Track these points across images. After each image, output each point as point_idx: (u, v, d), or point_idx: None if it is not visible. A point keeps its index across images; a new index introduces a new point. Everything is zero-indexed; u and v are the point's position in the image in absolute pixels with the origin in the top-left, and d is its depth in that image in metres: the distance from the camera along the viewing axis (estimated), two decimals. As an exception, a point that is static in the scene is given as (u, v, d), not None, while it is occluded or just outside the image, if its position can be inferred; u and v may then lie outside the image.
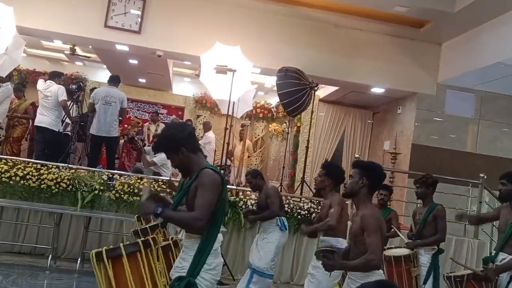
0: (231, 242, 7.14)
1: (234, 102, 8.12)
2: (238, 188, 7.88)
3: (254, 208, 6.39)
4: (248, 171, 6.50)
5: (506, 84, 8.50)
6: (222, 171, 6.50)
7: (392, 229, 5.84)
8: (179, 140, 2.94)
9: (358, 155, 8.06)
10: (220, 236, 2.99)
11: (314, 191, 7.57)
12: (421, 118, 9.10)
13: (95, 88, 9.39)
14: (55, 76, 8.18)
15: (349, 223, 4.71)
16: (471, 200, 7.97)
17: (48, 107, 7.89)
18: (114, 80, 8.25)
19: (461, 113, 9.20)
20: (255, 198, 7.34)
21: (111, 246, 3.18)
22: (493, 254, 4.55)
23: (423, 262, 5.17)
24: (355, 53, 8.85)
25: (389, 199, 6.30)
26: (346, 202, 4.99)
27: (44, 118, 7.90)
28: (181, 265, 2.94)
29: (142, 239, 3.26)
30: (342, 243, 4.76)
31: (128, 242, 3.43)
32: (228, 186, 5.75)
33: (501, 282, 4.22)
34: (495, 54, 7.42)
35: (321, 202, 5.39)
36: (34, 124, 8.04)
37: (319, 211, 5.67)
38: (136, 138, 8.38)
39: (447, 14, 7.59)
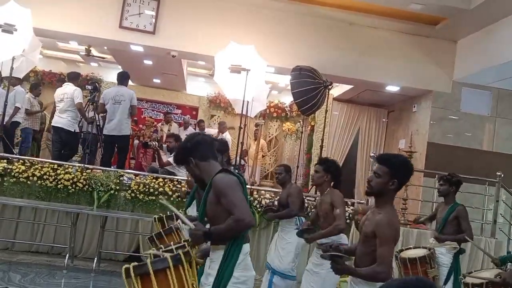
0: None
1: (248, 102, 8.12)
2: (252, 187, 7.89)
3: (274, 205, 6.33)
4: (282, 164, 6.46)
5: (523, 82, 8.40)
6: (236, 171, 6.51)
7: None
8: (187, 151, 2.95)
9: (373, 154, 7.99)
10: (246, 247, 2.84)
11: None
12: (437, 116, 9.02)
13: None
14: (73, 78, 8.29)
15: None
16: (487, 199, 7.88)
17: (64, 109, 7.99)
18: (122, 78, 8.28)
19: (477, 111, 9.10)
20: (270, 197, 7.36)
21: (137, 263, 2.82)
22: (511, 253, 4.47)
23: (444, 262, 5.12)
24: (370, 51, 8.80)
25: None
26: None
27: (60, 119, 8.02)
28: (208, 281, 2.81)
29: (171, 254, 2.98)
30: (344, 238, 4.81)
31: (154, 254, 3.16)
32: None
33: None
34: (511, 51, 7.33)
35: (317, 198, 5.27)
36: (51, 124, 8.15)
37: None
38: (149, 143, 8.42)
39: (462, 11, 7.51)
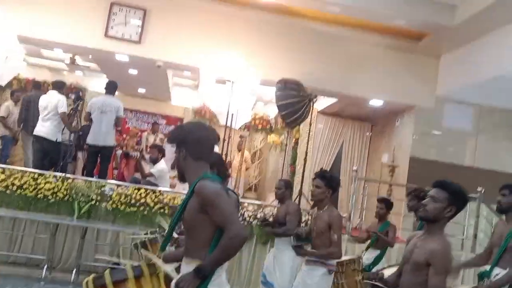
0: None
1: (232, 113, 8.12)
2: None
3: (269, 219, 6.25)
4: (283, 179, 6.36)
5: (505, 98, 8.50)
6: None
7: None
8: (183, 139, 2.71)
9: (356, 168, 8.03)
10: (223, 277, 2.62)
11: (311, 203, 7.49)
12: (419, 131, 9.10)
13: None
14: (58, 86, 8.17)
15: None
16: (468, 214, 7.94)
17: (46, 117, 7.88)
18: (110, 88, 8.21)
19: (460, 127, 9.21)
20: (253, 210, 7.32)
21: (97, 274, 2.72)
22: (488, 269, 4.48)
23: None
24: (354, 65, 8.87)
25: (386, 212, 6.22)
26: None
27: (43, 128, 7.90)
28: None
29: (133, 264, 2.81)
30: (332, 262, 4.67)
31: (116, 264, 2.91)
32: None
33: None
34: (494, 67, 7.44)
35: (313, 212, 5.15)
36: (33, 133, 8.04)
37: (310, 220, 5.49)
38: (131, 153, 8.35)
39: (446, 27, 7.62)
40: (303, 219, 7.21)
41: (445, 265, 2.86)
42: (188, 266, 2.60)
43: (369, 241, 6.13)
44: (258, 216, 7.10)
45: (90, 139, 7.96)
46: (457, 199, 2.94)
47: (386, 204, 6.19)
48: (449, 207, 2.93)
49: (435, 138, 9.12)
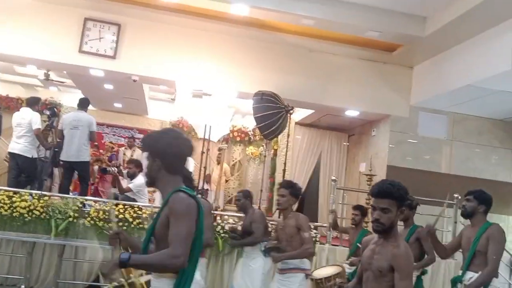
0: (209, 267, 7.03)
1: (210, 126, 8.12)
2: (216, 212, 7.81)
3: (237, 230, 6.26)
4: (240, 190, 6.42)
5: (476, 106, 8.72)
6: (199, 195, 6.42)
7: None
8: (160, 152, 2.60)
9: (334, 178, 8.09)
10: (197, 276, 2.59)
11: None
12: (395, 140, 9.23)
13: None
14: (32, 103, 8.07)
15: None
16: (446, 220, 8.06)
17: (21, 134, 7.77)
18: (82, 104, 8.17)
19: (434, 135, 9.37)
20: (233, 222, 7.30)
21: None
22: (460, 275, 4.56)
23: None
24: (329, 77, 8.98)
25: (361, 219, 6.30)
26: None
27: (17, 145, 7.79)
28: None
29: (114, 286, 2.76)
30: (306, 263, 4.79)
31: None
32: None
33: None
34: (465, 76, 7.62)
35: (277, 222, 5.26)
36: (8, 150, 7.91)
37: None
38: (108, 169, 8.26)
39: (417, 38, 7.79)
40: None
41: (409, 268, 2.87)
42: (158, 281, 2.54)
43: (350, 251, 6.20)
44: (226, 227, 7.08)
45: (63, 156, 7.87)
46: (403, 201, 2.96)
47: (361, 211, 6.27)
48: (398, 212, 2.94)
49: (411, 146, 9.25)
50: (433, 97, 8.63)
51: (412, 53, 8.56)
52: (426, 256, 5.32)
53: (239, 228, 6.34)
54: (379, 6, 7.47)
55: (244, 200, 5.85)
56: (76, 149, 7.78)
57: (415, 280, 5.29)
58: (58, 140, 8.20)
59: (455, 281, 4.55)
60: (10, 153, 7.95)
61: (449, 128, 9.38)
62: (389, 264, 2.85)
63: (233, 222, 7.31)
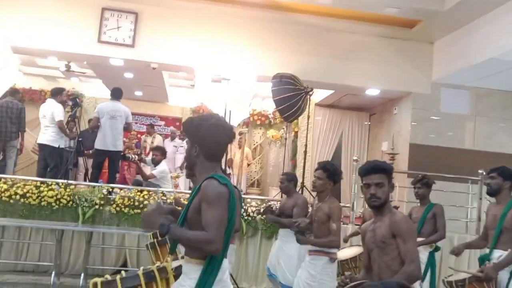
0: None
1: (230, 111, 8.15)
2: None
3: (272, 208, 6.26)
4: (286, 172, 6.37)
5: (500, 80, 8.53)
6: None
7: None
8: (199, 137, 2.62)
9: (356, 158, 8.05)
10: (225, 263, 2.57)
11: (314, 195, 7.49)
12: (418, 118, 9.12)
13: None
14: (55, 93, 8.22)
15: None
16: (471, 197, 7.98)
17: (46, 125, 7.93)
18: (116, 94, 8.30)
19: (457, 111, 9.22)
20: (256, 205, 7.36)
21: (108, 278, 2.67)
22: (487, 253, 4.52)
23: (420, 259, 5.18)
24: (348, 56, 8.89)
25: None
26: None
27: (43, 136, 7.97)
28: None
29: (144, 270, 2.75)
30: (333, 250, 4.71)
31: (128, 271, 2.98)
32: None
33: (501, 280, 4.17)
34: (487, 50, 7.45)
35: (314, 204, 5.22)
36: (37, 142, 8.10)
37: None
38: (128, 155, 8.39)
39: (437, 13, 7.63)
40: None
41: (409, 230, 2.95)
42: (188, 265, 2.58)
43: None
44: (249, 210, 7.12)
45: (98, 144, 8.02)
46: (391, 175, 3.10)
47: None
48: (390, 185, 3.08)
49: (434, 124, 9.13)
50: (455, 73, 8.48)
51: (432, 28, 8.40)
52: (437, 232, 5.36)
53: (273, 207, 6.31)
54: (397, -18, 7.34)
55: (287, 183, 5.75)
56: (113, 138, 7.98)
57: (428, 256, 5.32)
58: (86, 129, 8.34)
59: (483, 259, 4.51)
60: (38, 144, 8.16)
61: (472, 103, 9.22)
62: (389, 232, 2.96)
63: (256, 204, 7.37)
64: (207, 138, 2.61)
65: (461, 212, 7.90)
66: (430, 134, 9.10)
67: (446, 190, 7.46)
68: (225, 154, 8.07)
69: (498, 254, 4.30)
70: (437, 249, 5.48)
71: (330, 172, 4.73)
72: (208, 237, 2.41)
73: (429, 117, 9.14)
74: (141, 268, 2.95)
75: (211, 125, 2.63)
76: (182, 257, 3.08)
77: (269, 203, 7.01)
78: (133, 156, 8.38)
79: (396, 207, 5.89)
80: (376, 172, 3.06)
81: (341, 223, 4.90)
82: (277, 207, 6.43)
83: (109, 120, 7.96)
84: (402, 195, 8.54)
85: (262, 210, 6.46)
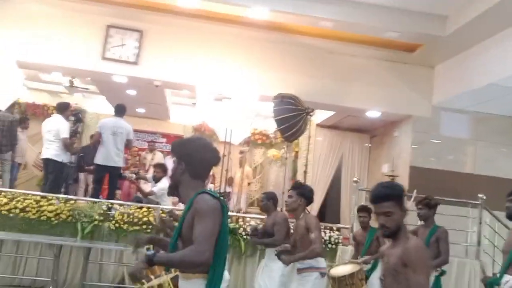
0: (231, 269, 7.10)
1: (231, 129, 8.19)
2: (238, 214, 7.89)
3: (257, 230, 6.30)
4: (265, 191, 6.49)
5: (499, 105, 8.58)
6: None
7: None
8: (187, 156, 2.70)
9: (356, 179, 8.07)
10: (226, 274, 2.66)
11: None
12: (418, 141, 9.15)
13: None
14: (63, 109, 8.25)
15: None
16: (471, 221, 7.96)
17: (51, 140, 7.93)
18: (120, 110, 8.36)
19: (458, 135, 9.26)
20: (255, 224, 7.35)
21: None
22: (497, 276, 4.45)
23: None
24: (350, 78, 8.97)
25: (370, 219, 6.24)
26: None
27: (48, 151, 7.95)
28: None
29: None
30: (320, 262, 4.80)
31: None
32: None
33: None
34: (487, 75, 7.52)
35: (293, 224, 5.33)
36: (40, 157, 8.10)
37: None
38: (124, 174, 8.40)
39: (438, 38, 7.72)
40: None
41: (420, 261, 2.74)
42: (187, 282, 2.59)
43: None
44: (248, 229, 7.13)
45: (99, 160, 8.03)
46: (402, 201, 2.92)
47: (367, 212, 6.22)
48: (402, 212, 2.89)
49: (434, 147, 9.16)
50: (455, 97, 8.54)
51: (433, 52, 8.49)
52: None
53: (259, 227, 6.38)
54: (398, 6, 7.43)
55: (266, 201, 5.90)
56: (114, 154, 8.01)
57: (433, 280, 5.29)
58: (88, 144, 8.36)
59: (492, 284, 4.47)
60: (42, 159, 8.13)
61: (473, 127, 9.26)
62: (401, 260, 2.78)
63: (255, 224, 7.37)
64: (194, 157, 2.70)
65: (461, 236, 7.87)
66: (430, 157, 9.12)
67: (446, 213, 7.43)
68: (225, 173, 8.12)
69: (506, 279, 4.22)
70: (443, 273, 5.45)
71: (299, 189, 5.00)
72: (196, 248, 2.43)
73: (430, 140, 9.17)
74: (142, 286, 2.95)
75: (199, 144, 2.76)
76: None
77: (255, 225, 7.01)
78: (130, 175, 8.39)
79: None
80: (382, 201, 2.88)
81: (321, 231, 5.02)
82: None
83: (111, 136, 8.01)
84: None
85: (249, 232, 6.55)
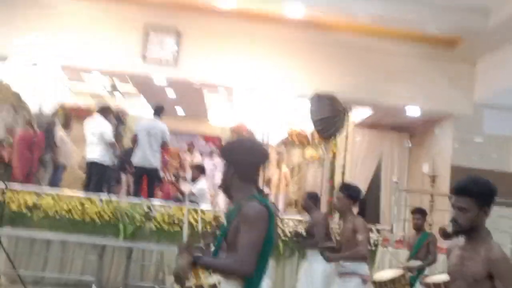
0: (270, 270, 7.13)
1: (269, 130, 8.22)
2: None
3: (301, 233, 6.32)
4: (308, 191, 6.47)
5: (546, 100, 8.28)
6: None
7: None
8: (236, 160, 2.71)
9: (396, 179, 7.95)
10: (264, 284, 2.64)
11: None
12: (460, 139, 8.93)
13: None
14: (105, 111, 8.44)
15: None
16: (515, 222, 7.72)
17: (95, 142, 8.10)
18: (157, 111, 8.50)
19: (502, 132, 8.99)
20: (293, 225, 7.37)
21: None
22: None
23: None
24: (388, 76, 8.82)
25: (424, 222, 6.16)
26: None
27: (92, 153, 8.13)
28: None
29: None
30: (363, 268, 4.69)
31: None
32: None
33: None
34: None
35: (340, 224, 5.25)
36: (86, 160, 8.30)
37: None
38: (162, 177, 8.49)
39: (480, 32, 7.48)
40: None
41: (510, 272, 2.58)
42: (227, 283, 2.60)
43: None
44: (287, 231, 7.15)
45: (136, 161, 8.18)
46: (485, 200, 2.73)
47: (422, 214, 6.14)
48: (480, 212, 2.71)
49: (476, 145, 8.92)
50: (498, 93, 8.27)
51: (474, 47, 8.23)
52: None
53: (303, 232, 6.36)
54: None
55: (308, 200, 5.86)
56: (150, 156, 8.10)
57: None
58: (128, 146, 8.52)
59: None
60: (87, 162, 8.32)
61: (518, 124, 8.97)
62: (485, 270, 2.60)
63: (294, 225, 7.37)
64: (242, 160, 2.71)
65: (506, 238, 7.64)
66: (472, 156, 8.87)
67: (491, 214, 7.24)
68: (262, 174, 8.13)
69: None
70: None
71: (347, 191, 4.86)
72: (240, 259, 2.46)
73: (472, 139, 8.94)
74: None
75: (246, 147, 2.76)
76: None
77: (297, 230, 7.00)
78: (167, 176, 8.50)
79: None
80: (461, 194, 2.73)
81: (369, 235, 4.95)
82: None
83: (146, 137, 8.11)
84: (443, 219, 8.35)
85: (293, 236, 6.54)
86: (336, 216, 8.38)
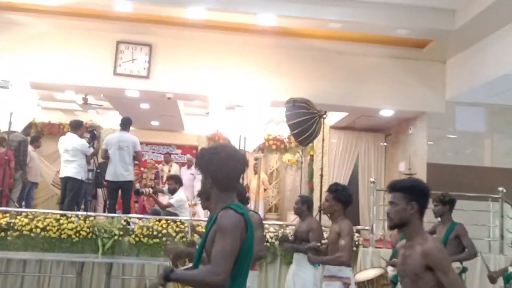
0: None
1: (245, 137, 8.20)
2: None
3: (288, 236, 6.22)
4: (301, 194, 6.34)
5: (515, 95, 8.47)
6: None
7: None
8: (211, 171, 2.64)
9: (373, 179, 8.00)
10: None
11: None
12: (434, 137, 9.07)
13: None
14: (76, 127, 8.31)
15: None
16: (493, 215, 7.85)
17: (69, 159, 7.96)
18: (125, 124, 8.39)
19: (473, 128, 9.17)
20: (274, 231, 7.33)
21: None
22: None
23: None
24: (361, 78, 8.93)
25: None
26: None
27: (66, 169, 7.98)
28: None
29: None
30: (345, 271, 4.64)
31: None
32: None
33: None
34: (500, 66, 7.42)
35: (329, 227, 5.18)
36: (59, 176, 8.16)
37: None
38: (141, 190, 8.38)
39: (448, 32, 7.65)
40: (325, 235, 7.20)
41: (445, 258, 2.71)
42: None
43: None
44: (267, 237, 7.07)
45: (109, 176, 8.08)
46: (414, 194, 2.83)
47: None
48: (409, 205, 2.81)
49: (450, 142, 9.07)
50: (469, 90, 8.44)
51: (443, 47, 8.41)
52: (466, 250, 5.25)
53: (290, 235, 6.29)
54: (406, 3, 7.37)
55: (301, 205, 5.68)
56: (123, 169, 8.01)
57: None
58: (102, 159, 8.43)
59: (508, 278, 4.41)
60: (61, 178, 8.19)
61: (488, 120, 9.17)
62: (423, 264, 2.69)
63: (274, 230, 7.34)
64: (219, 172, 2.63)
65: (484, 231, 7.76)
66: (447, 153, 9.02)
67: (467, 209, 7.33)
68: (241, 180, 8.09)
69: None
70: (464, 270, 5.36)
71: (336, 193, 4.75)
72: (212, 269, 2.40)
73: (445, 136, 9.08)
74: None
75: (222, 158, 2.64)
76: None
77: (285, 231, 6.96)
78: (146, 190, 8.40)
79: None
80: (391, 190, 2.91)
81: (353, 241, 4.90)
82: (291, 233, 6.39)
83: (117, 151, 8.02)
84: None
85: (279, 238, 6.41)
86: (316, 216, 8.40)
